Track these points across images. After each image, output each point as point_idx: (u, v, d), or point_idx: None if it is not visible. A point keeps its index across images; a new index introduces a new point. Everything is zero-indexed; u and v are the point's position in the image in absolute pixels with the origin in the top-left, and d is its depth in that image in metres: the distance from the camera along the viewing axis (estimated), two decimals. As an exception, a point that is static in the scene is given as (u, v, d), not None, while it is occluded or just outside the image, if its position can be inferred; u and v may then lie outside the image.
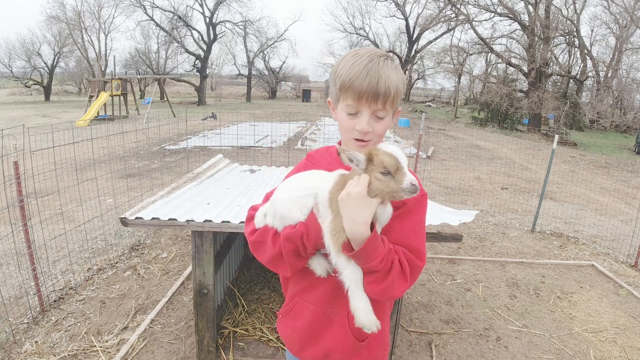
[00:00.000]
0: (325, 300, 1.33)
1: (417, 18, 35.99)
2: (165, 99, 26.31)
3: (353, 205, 1.10)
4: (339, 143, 1.44)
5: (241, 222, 2.37)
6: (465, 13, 24.56)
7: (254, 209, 1.40)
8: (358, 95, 1.22)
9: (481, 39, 25.61)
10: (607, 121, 23.68)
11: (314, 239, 1.20)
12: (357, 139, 1.29)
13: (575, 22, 23.92)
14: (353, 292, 1.14)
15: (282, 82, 49.44)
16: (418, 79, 48.20)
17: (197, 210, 2.60)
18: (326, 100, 1.45)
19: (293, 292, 1.41)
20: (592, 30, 28.44)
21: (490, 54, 27.70)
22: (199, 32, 36.37)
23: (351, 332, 1.34)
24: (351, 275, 1.14)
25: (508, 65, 26.16)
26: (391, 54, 1.34)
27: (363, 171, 1.12)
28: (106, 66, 35.04)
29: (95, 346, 3.01)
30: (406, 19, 37.01)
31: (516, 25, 24.94)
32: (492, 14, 25.13)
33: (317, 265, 1.27)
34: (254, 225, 1.34)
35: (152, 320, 3.37)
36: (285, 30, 49.45)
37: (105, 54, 38.86)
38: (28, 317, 3.32)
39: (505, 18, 24.79)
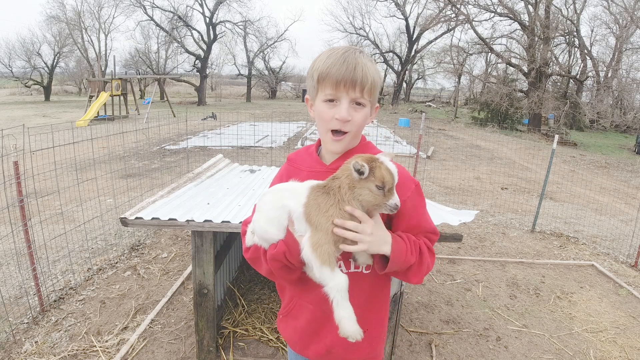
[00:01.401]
0: (323, 300, 1.34)
1: (417, 18, 36.02)
2: (165, 99, 26.31)
3: (380, 231, 1.20)
4: (319, 142, 1.45)
5: (241, 222, 2.37)
6: (465, 13, 24.55)
7: (246, 223, 1.42)
8: (336, 82, 1.23)
9: (481, 39, 25.61)
10: (607, 121, 23.67)
11: (297, 255, 1.21)
12: (334, 131, 1.29)
13: (575, 22, 23.92)
14: (338, 303, 1.14)
15: (282, 82, 49.43)
16: (418, 79, 48.18)
17: (197, 210, 2.60)
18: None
19: (291, 294, 1.46)
20: (592, 30, 28.47)
21: (490, 54, 27.69)
22: (199, 32, 36.39)
23: None
24: (337, 287, 1.14)
25: (508, 65, 26.15)
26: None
27: (359, 180, 1.14)
28: (106, 66, 35.09)
29: (95, 346, 3.01)
30: (406, 19, 37.01)
31: (516, 25, 24.93)
32: (492, 14, 25.12)
33: (310, 271, 1.30)
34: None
35: (152, 320, 3.37)
36: (285, 30, 49.51)
37: (105, 54, 38.90)
38: (28, 317, 3.32)
39: (505, 18, 24.78)
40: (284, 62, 46.67)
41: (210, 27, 35.69)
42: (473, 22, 25.10)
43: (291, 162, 1.47)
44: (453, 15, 26.42)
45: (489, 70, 31.39)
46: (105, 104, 19.77)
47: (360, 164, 1.12)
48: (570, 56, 28.37)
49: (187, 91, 45.09)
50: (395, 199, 1.17)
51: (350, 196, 1.16)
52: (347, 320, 1.14)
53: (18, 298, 3.59)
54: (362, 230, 1.15)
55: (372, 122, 1.42)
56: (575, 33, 24.17)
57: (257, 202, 1.34)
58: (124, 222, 2.41)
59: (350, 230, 1.15)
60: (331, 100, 1.27)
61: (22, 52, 35.60)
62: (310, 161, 1.42)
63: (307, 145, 1.50)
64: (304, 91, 45.96)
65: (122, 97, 21.43)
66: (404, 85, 43.46)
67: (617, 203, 8.29)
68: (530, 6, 22.60)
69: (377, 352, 1.49)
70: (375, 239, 1.17)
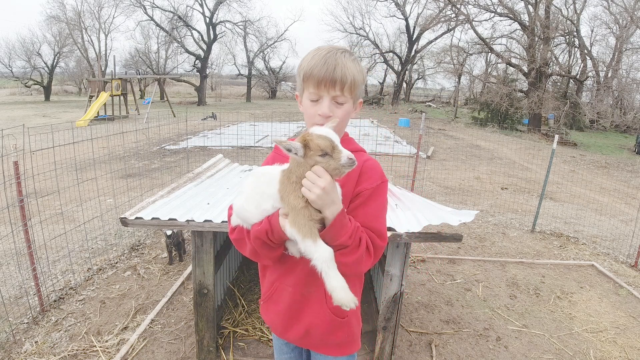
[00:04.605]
0: (301, 282, 1.44)
1: (417, 18, 35.99)
2: (165, 99, 26.30)
3: (332, 193, 1.20)
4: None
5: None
6: (465, 13, 24.54)
7: (232, 208, 1.47)
8: (317, 82, 1.35)
9: (481, 39, 25.60)
10: (607, 121, 23.66)
11: (278, 234, 1.28)
12: (319, 125, 1.36)
13: (575, 22, 23.91)
14: (327, 273, 1.18)
15: (282, 82, 49.41)
16: (418, 79, 48.15)
17: (197, 210, 2.60)
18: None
19: (273, 278, 1.52)
20: (592, 30, 28.46)
21: (490, 54, 27.68)
22: (199, 32, 36.36)
23: (330, 310, 1.44)
24: (321, 257, 1.18)
25: (508, 65, 26.14)
26: (349, 49, 1.44)
27: (302, 158, 1.19)
28: (106, 66, 35.08)
29: (95, 346, 3.01)
30: (406, 19, 37.00)
31: (516, 25, 24.92)
32: (492, 14, 25.11)
33: (292, 247, 1.37)
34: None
35: (152, 320, 3.38)
36: (285, 30, 49.50)
37: (105, 54, 38.88)
38: (28, 317, 3.32)
39: (505, 18, 24.76)
40: (284, 62, 46.62)
41: (210, 27, 35.67)
42: (473, 22, 25.09)
43: (278, 151, 1.52)
44: (453, 15, 26.41)
45: (489, 70, 31.40)
46: (105, 104, 19.77)
47: (287, 143, 1.17)
48: (570, 56, 28.38)
49: (187, 91, 45.07)
50: (344, 155, 1.18)
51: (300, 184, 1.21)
52: (339, 290, 1.18)
53: (18, 298, 3.59)
54: (314, 180, 1.18)
55: (354, 115, 1.49)
56: (575, 33, 24.17)
57: (240, 186, 1.42)
58: (124, 222, 2.41)
59: (308, 180, 1.20)
60: (315, 99, 1.38)
61: (22, 52, 35.60)
62: None
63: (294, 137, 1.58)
64: (304, 91, 46.04)
65: (122, 97, 21.43)
66: (404, 85, 43.45)
67: (617, 203, 8.29)
68: (530, 6, 22.59)
69: (355, 337, 1.55)
70: (324, 196, 1.18)
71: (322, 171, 1.18)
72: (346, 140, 1.49)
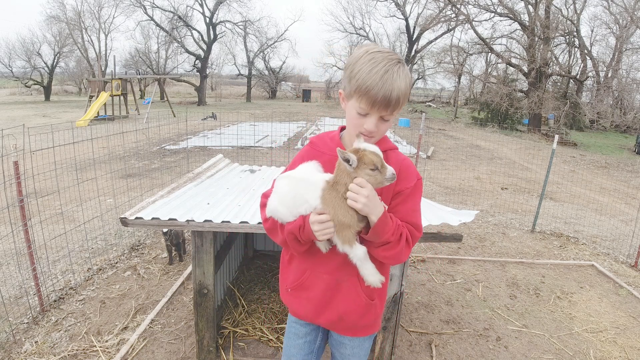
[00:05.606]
0: (337, 269, 1.52)
1: (417, 18, 35.97)
2: (165, 99, 26.30)
3: (374, 199, 1.34)
4: (341, 128, 1.59)
5: (241, 222, 2.37)
6: (465, 13, 24.53)
7: (265, 196, 1.56)
8: (372, 103, 1.34)
9: (481, 39, 25.59)
10: (607, 121, 23.66)
11: (307, 234, 1.39)
12: (362, 134, 1.44)
13: (575, 22, 23.90)
14: (361, 265, 1.43)
15: (282, 82, 49.38)
16: (418, 79, 48.06)
17: (197, 210, 2.60)
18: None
19: (304, 267, 1.58)
20: (592, 30, 28.45)
21: (490, 54, 27.67)
22: (199, 32, 36.35)
23: (363, 293, 1.54)
24: (357, 256, 1.41)
25: (508, 65, 26.14)
26: (401, 58, 1.44)
27: (353, 169, 1.33)
28: (106, 66, 35.08)
29: (95, 346, 3.01)
30: (406, 19, 36.99)
31: (516, 25, 24.91)
32: (492, 14, 25.11)
33: (321, 244, 1.50)
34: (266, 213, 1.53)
35: (152, 320, 3.37)
36: (285, 30, 49.44)
37: (105, 54, 38.87)
38: (28, 317, 3.32)
39: (505, 18, 24.76)
40: (284, 62, 46.58)
41: (210, 27, 35.66)
42: (473, 22, 25.09)
43: (313, 145, 1.57)
44: (453, 15, 26.42)
45: (489, 70, 31.38)
46: (105, 104, 19.76)
47: (347, 157, 1.31)
48: (570, 56, 28.35)
49: (187, 91, 45.06)
50: (389, 170, 1.35)
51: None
52: (369, 275, 1.44)
53: (18, 298, 3.59)
54: (359, 192, 1.32)
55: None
56: (575, 33, 24.15)
57: (276, 182, 1.49)
58: (124, 222, 2.41)
59: (352, 192, 1.34)
60: (363, 113, 1.40)
61: (22, 52, 35.55)
62: (330, 144, 1.52)
63: (330, 131, 1.61)
64: (304, 91, 46.02)
65: (122, 97, 21.42)
66: (404, 85, 43.32)
67: (617, 203, 8.29)
68: (530, 6, 22.59)
69: (379, 319, 1.66)
70: (369, 203, 1.32)
71: (364, 182, 1.32)
72: (382, 139, 1.53)
